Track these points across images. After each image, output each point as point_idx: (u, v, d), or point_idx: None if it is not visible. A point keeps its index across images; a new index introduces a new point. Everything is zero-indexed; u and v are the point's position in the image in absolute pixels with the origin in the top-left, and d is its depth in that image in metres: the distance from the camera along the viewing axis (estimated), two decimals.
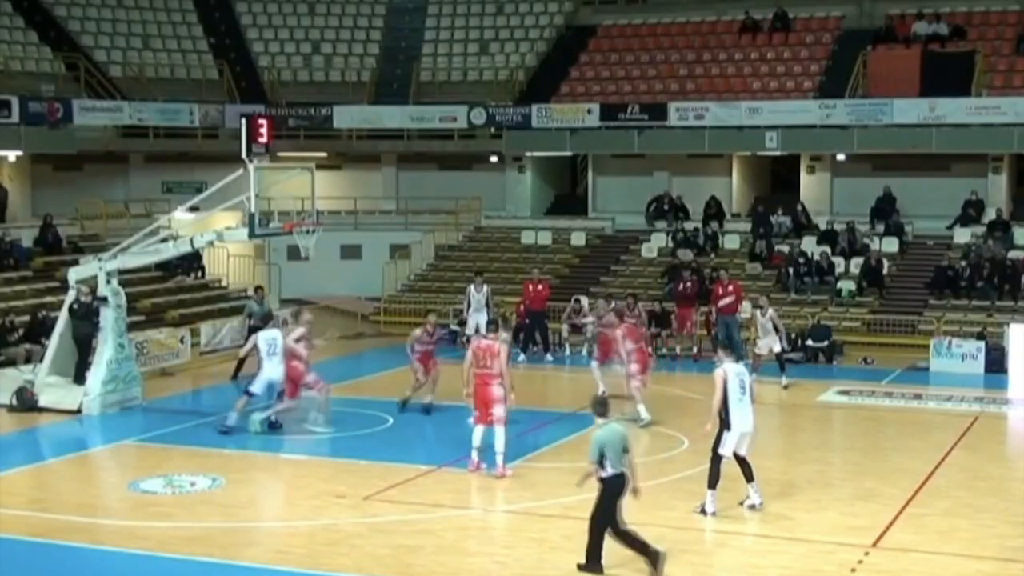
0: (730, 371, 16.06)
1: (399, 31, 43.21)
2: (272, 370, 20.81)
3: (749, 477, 16.23)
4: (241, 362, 25.91)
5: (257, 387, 20.89)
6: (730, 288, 28.22)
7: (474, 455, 18.12)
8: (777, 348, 25.48)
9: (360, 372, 27.10)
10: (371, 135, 39.76)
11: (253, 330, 26.00)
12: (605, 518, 13.57)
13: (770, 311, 25.63)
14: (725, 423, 15.96)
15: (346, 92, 40.33)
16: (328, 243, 30.36)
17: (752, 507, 16.26)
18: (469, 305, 28.71)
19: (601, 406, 14.21)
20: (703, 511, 16.04)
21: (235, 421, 20.75)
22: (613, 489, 13.58)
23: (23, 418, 22.41)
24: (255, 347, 21.18)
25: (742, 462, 16.15)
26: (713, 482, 15.98)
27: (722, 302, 28.21)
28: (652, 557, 13.50)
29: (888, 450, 20.09)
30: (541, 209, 40.29)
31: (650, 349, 24.22)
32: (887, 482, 17.88)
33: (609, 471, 13.56)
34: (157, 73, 39.53)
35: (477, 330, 25.28)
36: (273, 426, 20.91)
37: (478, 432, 18.09)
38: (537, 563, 14.31)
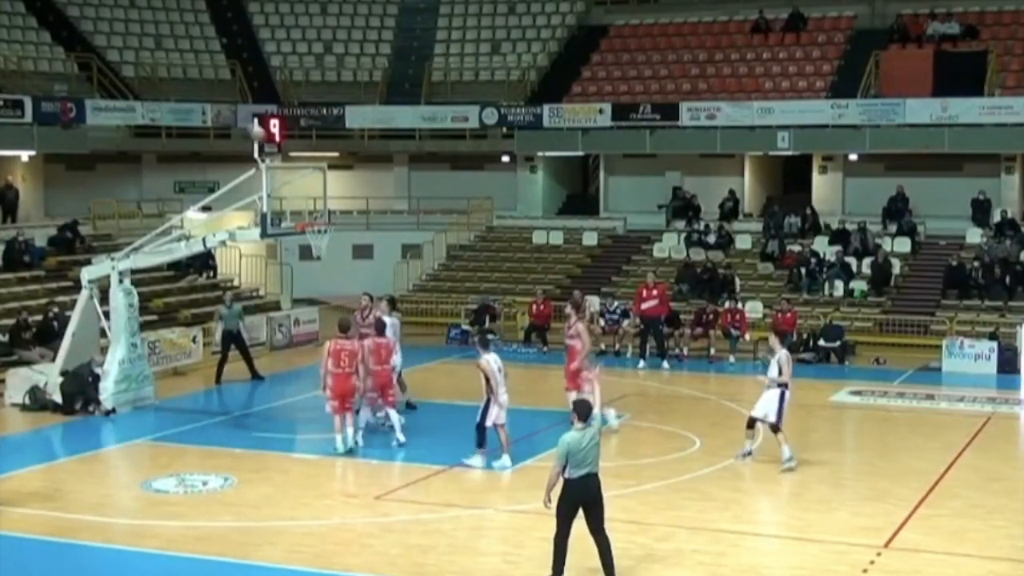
0: None
1: (411, 31, 43.26)
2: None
3: None
4: (223, 365, 25.83)
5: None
6: (655, 292, 28.18)
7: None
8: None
9: None
10: (383, 135, 39.84)
11: (226, 335, 25.96)
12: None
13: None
14: None
15: (358, 92, 40.40)
16: (340, 243, 30.42)
17: None
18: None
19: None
20: None
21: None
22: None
23: (36, 417, 22.47)
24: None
25: None
26: None
27: (645, 305, 28.16)
28: None
29: (900, 450, 20.05)
30: (553, 209, 40.31)
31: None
32: (899, 482, 17.85)
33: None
34: (169, 73, 39.63)
35: None
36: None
37: None
38: (548, 563, 14.29)
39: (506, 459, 18.46)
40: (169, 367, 26.62)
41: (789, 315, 28.57)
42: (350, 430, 19.59)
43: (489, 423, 18.42)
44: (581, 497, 13.24)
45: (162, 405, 23.40)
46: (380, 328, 20.64)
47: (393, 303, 23.41)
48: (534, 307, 30.50)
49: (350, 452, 19.40)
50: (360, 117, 39.23)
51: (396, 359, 20.83)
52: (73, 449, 20.48)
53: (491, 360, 18.39)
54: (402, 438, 19.97)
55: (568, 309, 21.74)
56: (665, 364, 27.73)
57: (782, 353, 18.73)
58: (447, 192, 39.08)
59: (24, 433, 21.73)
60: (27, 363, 24.87)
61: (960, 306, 30.94)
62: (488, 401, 18.34)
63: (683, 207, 36.92)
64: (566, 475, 13.19)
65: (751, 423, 18.84)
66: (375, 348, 19.95)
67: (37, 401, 22.92)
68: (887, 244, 33.57)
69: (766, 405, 18.55)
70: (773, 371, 18.64)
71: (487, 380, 18.28)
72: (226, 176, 25.00)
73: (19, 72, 35.52)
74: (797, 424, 22.95)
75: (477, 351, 18.92)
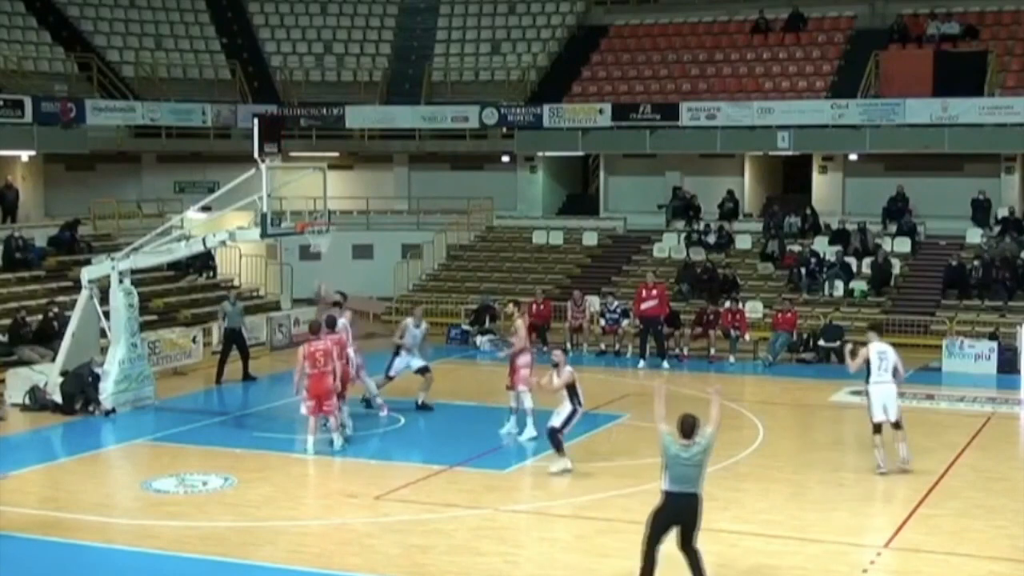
0: None
1: (411, 31, 43.26)
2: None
3: None
4: (223, 364, 25.87)
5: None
6: (654, 292, 28.14)
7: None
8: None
9: (372, 372, 27.06)
10: (383, 135, 39.81)
11: (228, 333, 26.06)
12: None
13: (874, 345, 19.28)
14: None
15: (358, 92, 40.38)
16: (340, 243, 30.48)
17: None
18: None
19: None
20: None
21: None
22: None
23: (36, 417, 22.48)
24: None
25: None
26: None
27: (644, 305, 28.10)
28: None
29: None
30: (553, 209, 40.30)
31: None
32: (899, 483, 17.86)
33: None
34: (169, 73, 39.60)
35: None
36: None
37: None
38: (548, 563, 14.31)
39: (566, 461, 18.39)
40: (169, 367, 26.62)
41: (789, 315, 28.56)
42: (335, 434, 19.57)
43: (568, 430, 18.34)
44: (677, 516, 12.79)
45: (162, 405, 23.40)
46: (330, 324, 20.57)
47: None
48: (534, 307, 30.49)
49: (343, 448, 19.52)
50: (360, 117, 39.21)
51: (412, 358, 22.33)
52: (73, 449, 20.49)
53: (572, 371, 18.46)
54: (338, 444, 19.67)
55: (510, 307, 21.97)
56: (665, 364, 27.72)
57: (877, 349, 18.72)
58: (447, 192, 39.06)
59: (24, 433, 21.72)
60: (27, 363, 24.89)
61: (960, 306, 30.93)
62: (573, 411, 18.24)
63: (683, 207, 36.92)
64: (665, 487, 12.76)
65: (895, 425, 18.45)
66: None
67: (37, 401, 22.93)
68: (887, 244, 33.55)
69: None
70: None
71: (571, 391, 18.23)
72: (226, 176, 25.01)
73: (19, 72, 35.52)
74: (797, 424, 23.01)
75: (556, 364, 18.55)
